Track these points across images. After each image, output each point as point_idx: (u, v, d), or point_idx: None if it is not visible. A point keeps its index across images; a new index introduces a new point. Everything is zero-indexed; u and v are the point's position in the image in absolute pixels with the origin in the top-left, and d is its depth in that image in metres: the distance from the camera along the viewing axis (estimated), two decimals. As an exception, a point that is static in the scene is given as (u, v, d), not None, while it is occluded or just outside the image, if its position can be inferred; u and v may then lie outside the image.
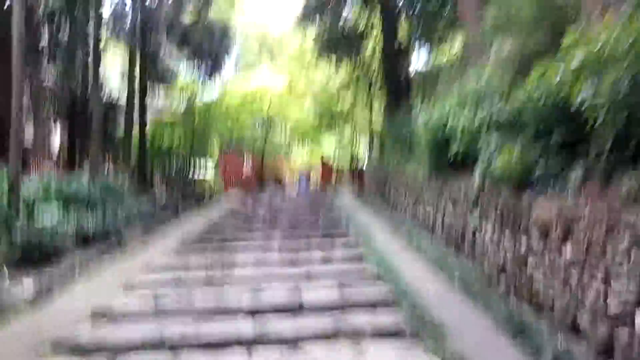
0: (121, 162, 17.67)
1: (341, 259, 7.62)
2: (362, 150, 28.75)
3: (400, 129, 15.14)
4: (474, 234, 7.16)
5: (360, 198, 16.88)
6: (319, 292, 5.86)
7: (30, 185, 10.75)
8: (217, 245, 8.99)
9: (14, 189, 9.00)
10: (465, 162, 7.72)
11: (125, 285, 6.54)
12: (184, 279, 6.66)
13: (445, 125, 8.60)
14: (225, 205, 17.38)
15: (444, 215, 8.78)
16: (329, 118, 27.51)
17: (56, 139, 23.90)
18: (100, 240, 9.47)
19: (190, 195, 19.95)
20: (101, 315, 5.39)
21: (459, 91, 8.53)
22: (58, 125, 21.39)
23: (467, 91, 8.08)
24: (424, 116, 10.15)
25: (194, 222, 12.25)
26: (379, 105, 25.45)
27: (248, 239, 9.65)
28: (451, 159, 8.12)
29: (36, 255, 7.79)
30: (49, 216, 9.37)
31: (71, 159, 19.01)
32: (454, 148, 7.75)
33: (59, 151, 21.98)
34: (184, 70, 22.84)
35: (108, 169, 20.08)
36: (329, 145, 32.87)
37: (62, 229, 8.91)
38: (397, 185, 13.87)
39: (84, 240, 9.28)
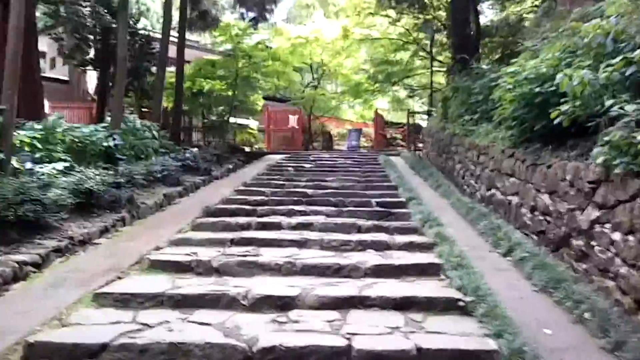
0: (154, 106, 15.78)
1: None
2: (420, 111, 26.11)
3: (469, 88, 12.74)
4: (588, 244, 4.96)
5: (416, 165, 14.59)
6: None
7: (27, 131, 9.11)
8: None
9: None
10: (571, 132, 5.50)
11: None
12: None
13: (545, 82, 6.64)
14: (267, 163, 15.49)
15: (533, 208, 6.59)
16: (385, 73, 24.89)
17: (92, 82, 22.40)
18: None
19: (231, 150, 18.03)
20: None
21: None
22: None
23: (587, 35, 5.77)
24: (515, 69, 7.86)
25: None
26: (441, 61, 22.81)
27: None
28: (550, 126, 5.90)
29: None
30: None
31: (103, 105, 17.42)
32: (564, 109, 5.49)
33: (96, 96, 20.51)
34: (227, 17, 20.61)
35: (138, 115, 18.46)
36: (383, 104, 30.26)
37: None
38: (463, 158, 11.56)
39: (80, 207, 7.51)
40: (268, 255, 5.72)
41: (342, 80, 26.75)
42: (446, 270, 5.16)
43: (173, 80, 17.46)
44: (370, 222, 7.44)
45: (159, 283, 4.88)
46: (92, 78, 22.05)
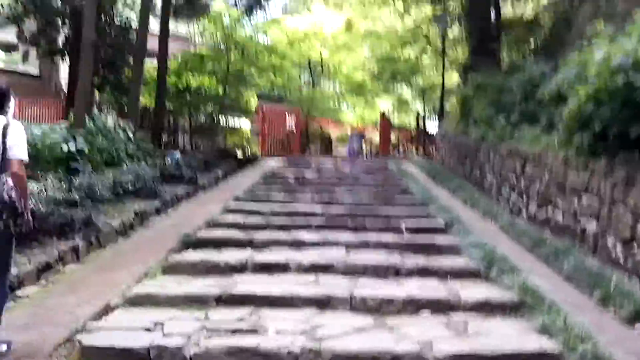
0: (129, 103, 13.58)
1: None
2: (431, 112, 24.08)
3: (500, 85, 10.81)
4: None
5: (436, 174, 12.54)
6: None
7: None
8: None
9: None
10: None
11: None
12: None
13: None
14: (262, 170, 13.38)
15: (630, 239, 4.66)
16: (390, 71, 22.84)
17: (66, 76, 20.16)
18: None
19: (220, 155, 15.89)
20: None
21: None
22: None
23: None
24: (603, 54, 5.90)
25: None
26: (455, 57, 20.80)
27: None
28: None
29: None
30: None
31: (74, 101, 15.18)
32: None
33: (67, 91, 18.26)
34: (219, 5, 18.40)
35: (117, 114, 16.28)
36: (388, 105, 28.15)
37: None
38: (498, 168, 9.56)
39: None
40: (274, 326, 3.65)
41: (343, 79, 24.66)
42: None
43: (156, 75, 15.36)
44: (410, 260, 5.39)
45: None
46: (66, 72, 19.85)
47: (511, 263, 4.98)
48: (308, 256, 5.45)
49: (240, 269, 5.12)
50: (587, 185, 6.03)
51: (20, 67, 20.69)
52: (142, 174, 9.60)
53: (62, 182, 7.93)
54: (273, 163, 15.26)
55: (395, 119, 26.72)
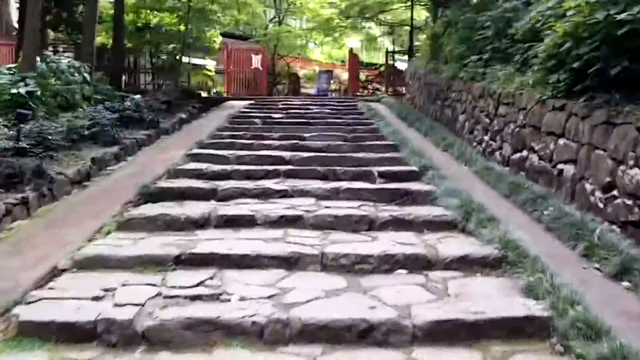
0: (84, 42, 12.69)
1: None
2: (400, 50, 23.43)
3: (471, 22, 10.42)
4: None
5: (407, 115, 12.20)
6: None
7: None
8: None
9: None
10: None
11: None
12: None
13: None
14: (228, 111, 12.84)
15: (610, 186, 4.49)
16: (358, 6, 21.97)
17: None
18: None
19: (184, 96, 15.22)
20: None
21: None
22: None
23: None
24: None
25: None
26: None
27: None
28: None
29: None
30: None
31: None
32: None
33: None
34: None
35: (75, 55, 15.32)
36: (355, 43, 27.31)
37: None
38: (470, 108, 9.27)
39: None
40: (237, 292, 3.33)
41: (310, 15, 23.70)
42: (565, 334, 2.83)
43: (113, 12, 14.40)
44: (383, 211, 5.09)
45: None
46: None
47: (489, 212, 4.72)
48: (275, 208, 5.11)
49: (202, 223, 4.76)
50: (564, 128, 5.77)
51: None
52: (99, 118, 9.04)
53: (10, 129, 7.37)
54: (240, 103, 14.71)
55: (364, 57, 26.04)
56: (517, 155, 7.09)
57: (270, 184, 6.05)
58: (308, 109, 13.40)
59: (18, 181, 5.77)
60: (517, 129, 7.15)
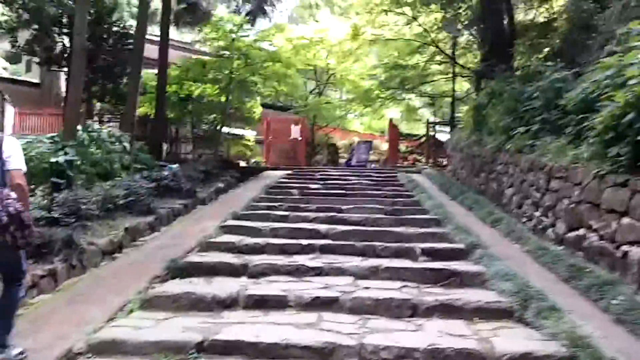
0: (125, 112, 12.90)
1: None
2: (440, 122, 23.24)
3: (517, 93, 10.08)
4: None
5: (448, 187, 11.77)
6: None
7: None
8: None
9: None
10: None
11: None
12: None
13: None
14: (265, 181, 12.65)
15: None
16: (398, 78, 22.04)
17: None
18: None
19: (223, 165, 15.21)
20: None
21: None
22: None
23: None
24: None
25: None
26: (465, 62, 20.07)
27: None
28: None
29: None
30: None
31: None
32: None
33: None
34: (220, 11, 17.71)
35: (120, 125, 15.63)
36: (394, 114, 27.31)
37: None
38: (518, 181, 8.80)
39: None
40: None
41: (350, 86, 23.89)
42: None
43: (156, 83, 14.74)
44: (428, 294, 4.64)
45: None
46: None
47: (549, 300, 4.21)
48: (309, 288, 4.72)
49: (230, 303, 4.39)
50: (628, 205, 5.27)
51: (23, 77, 20.15)
52: (135, 187, 8.94)
53: (44, 198, 7.29)
54: (277, 173, 14.58)
55: (403, 128, 25.96)
56: (573, 233, 6.55)
57: (304, 259, 5.68)
58: (346, 179, 13.14)
59: (47, 252, 5.57)
60: (572, 205, 6.65)
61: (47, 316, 4.20)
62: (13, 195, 3.38)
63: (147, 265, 5.59)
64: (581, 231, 6.30)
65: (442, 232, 7.17)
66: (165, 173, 11.06)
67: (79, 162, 9.06)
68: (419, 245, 6.36)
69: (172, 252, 6.00)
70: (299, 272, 5.28)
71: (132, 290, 4.75)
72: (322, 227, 7.25)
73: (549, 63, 10.41)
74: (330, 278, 5.16)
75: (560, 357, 3.33)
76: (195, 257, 5.71)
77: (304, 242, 6.44)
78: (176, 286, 4.78)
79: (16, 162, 3.49)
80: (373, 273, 5.31)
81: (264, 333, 3.62)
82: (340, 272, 5.31)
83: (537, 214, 7.94)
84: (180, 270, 5.28)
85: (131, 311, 4.30)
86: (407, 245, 6.42)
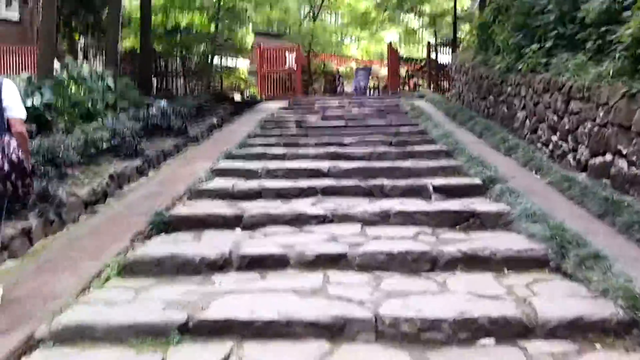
0: (107, 46, 11.95)
1: None
2: (442, 42, 22.06)
3: (528, 5, 9.18)
4: None
5: (455, 113, 11.06)
6: None
7: None
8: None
9: None
10: None
11: None
12: None
13: None
14: (261, 115, 11.92)
15: None
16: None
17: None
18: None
19: (215, 99, 14.45)
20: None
21: None
22: None
23: None
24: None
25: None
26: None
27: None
28: None
29: None
30: None
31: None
32: None
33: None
34: None
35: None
36: (393, 37, 25.99)
37: None
38: (531, 103, 8.07)
39: None
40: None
41: (346, 9, 22.57)
42: None
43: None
44: (447, 242, 4.04)
45: None
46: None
47: (590, 244, 3.62)
48: (312, 241, 4.12)
49: (221, 265, 3.80)
50: (666, 128, 4.62)
51: (3, 13, 18.86)
52: (121, 128, 8.25)
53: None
54: (273, 106, 13.82)
55: (403, 51, 24.78)
56: (598, 159, 5.92)
57: (305, 205, 5.08)
58: (347, 110, 12.38)
59: (21, 206, 4.97)
60: (597, 128, 5.99)
61: (10, 290, 3.62)
62: (14, 142, 3.31)
63: (129, 220, 4.99)
64: (608, 157, 5.68)
65: (454, 165, 6.53)
66: (154, 111, 10.33)
67: (58, 104, 8.36)
68: (431, 182, 5.74)
69: (158, 202, 5.40)
70: (299, 221, 4.67)
71: (110, 252, 4.16)
72: (324, 165, 6.61)
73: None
74: (335, 226, 4.56)
75: (618, 320, 2.76)
76: (183, 209, 5.10)
77: (304, 183, 5.81)
78: (160, 246, 4.19)
79: (17, 109, 3.42)
80: (383, 219, 4.70)
81: (260, 305, 3.03)
82: (345, 218, 4.70)
83: (555, 138, 7.28)
84: (165, 224, 4.67)
85: (107, 279, 3.71)
86: (417, 182, 5.79)
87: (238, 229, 4.62)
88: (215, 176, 6.39)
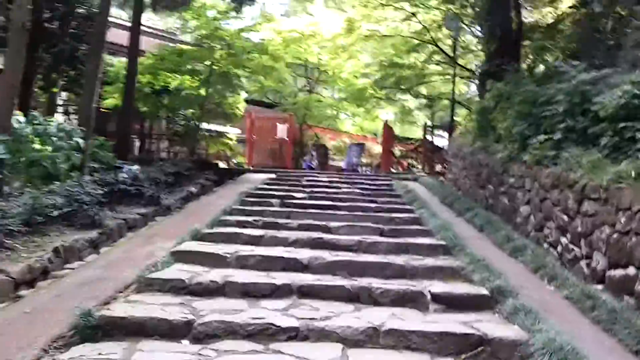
0: (82, 102, 11.22)
1: None
2: (438, 125, 21.74)
3: (533, 96, 8.66)
4: None
5: (452, 200, 10.27)
6: None
7: None
8: None
9: None
10: None
11: None
12: None
13: None
14: (244, 187, 11.05)
15: None
16: (394, 77, 20.52)
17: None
18: None
19: (199, 166, 13.69)
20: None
21: None
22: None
23: None
24: None
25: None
26: (466, 63, 18.65)
27: None
28: None
29: None
30: None
31: (28, 98, 12.69)
32: None
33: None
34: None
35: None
36: (388, 115, 25.74)
37: None
38: (538, 199, 7.32)
39: None
40: None
41: (343, 84, 22.28)
42: None
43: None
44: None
45: None
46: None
47: None
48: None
49: None
50: None
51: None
52: (80, 193, 7.36)
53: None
54: (259, 177, 13.00)
55: (398, 131, 24.43)
56: (619, 272, 5.07)
57: (276, 313, 4.10)
58: (336, 187, 11.57)
59: None
60: (616, 235, 5.18)
61: None
62: None
63: (53, 316, 3.97)
64: (631, 270, 4.84)
65: (455, 266, 5.61)
66: (124, 175, 9.48)
67: (10, 162, 7.50)
68: (429, 287, 4.81)
69: (97, 292, 4.42)
70: (265, 335, 3.68)
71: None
72: (304, 255, 5.68)
73: (575, 62, 9.04)
74: (308, 346, 3.58)
75: None
76: (121, 307, 4.09)
77: (279, 279, 4.85)
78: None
79: None
80: (370, 337, 3.73)
81: None
82: (323, 335, 3.72)
83: (565, 240, 6.47)
84: (94, 329, 3.67)
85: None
86: (412, 286, 4.85)
87: (186, 341, 3.63)
88: (175, 261, 5.42)
